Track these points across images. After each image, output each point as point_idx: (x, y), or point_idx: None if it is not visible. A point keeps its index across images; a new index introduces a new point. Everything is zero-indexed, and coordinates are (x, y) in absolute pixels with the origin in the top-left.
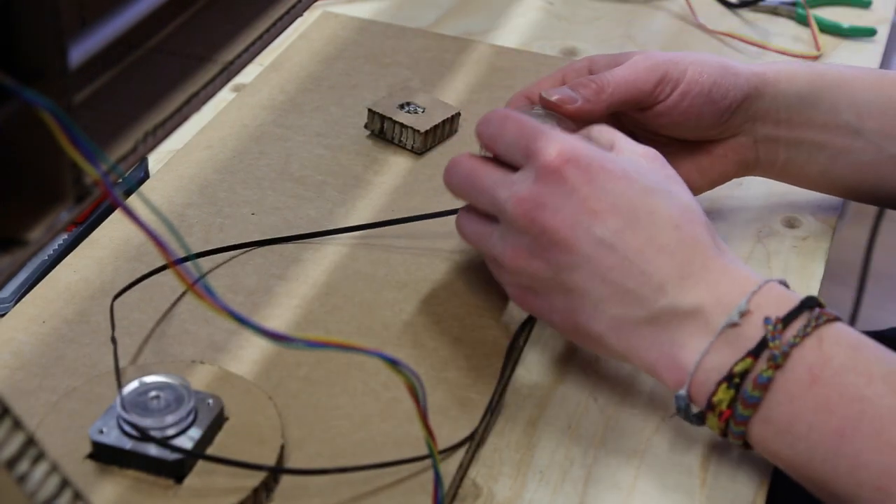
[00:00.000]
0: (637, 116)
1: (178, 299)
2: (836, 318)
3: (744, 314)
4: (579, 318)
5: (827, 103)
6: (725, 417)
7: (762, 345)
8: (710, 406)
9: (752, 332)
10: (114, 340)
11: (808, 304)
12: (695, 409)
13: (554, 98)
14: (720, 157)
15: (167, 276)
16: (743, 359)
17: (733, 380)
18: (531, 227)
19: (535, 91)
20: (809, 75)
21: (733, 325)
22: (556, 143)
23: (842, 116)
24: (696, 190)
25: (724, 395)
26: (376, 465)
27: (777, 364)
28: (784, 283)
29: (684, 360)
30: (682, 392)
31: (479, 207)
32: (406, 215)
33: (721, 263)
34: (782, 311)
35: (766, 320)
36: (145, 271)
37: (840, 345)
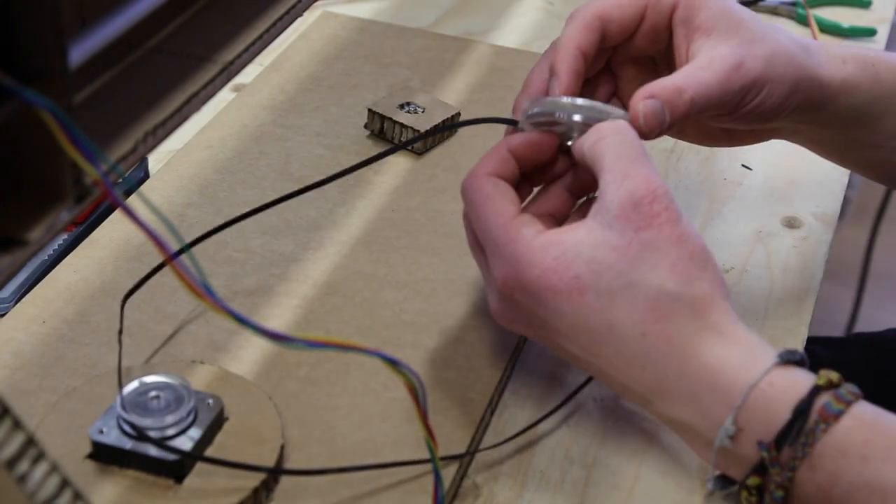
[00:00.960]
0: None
1: (179, 299)
2: (836, 414)
3: (733, 436)
4: (620, 391)
5: (876, 112)
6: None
7: (763, 467)
8: (740, 499)
9: (749, 453)
10: (120, 341)
11: (801, 408)
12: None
13: (648, 123)
14: (754, 133)
15: (167, 275)
16: (750, 476)
17: (751, 490)
18: (512, 329)
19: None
20: (870, 86)
21: (726, 448)
22: (503, 268)
23: (885, 122)
24: (719, 144)
25: (746, 499)
26: (376, 466)
27: (785, 486)
28: (788, 360)
29: (701, 455)
30: (710, 486)
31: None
32: (406, 215)
33: (700, 365)
34: (773, 426)
35: (760, 445)
36: (146, 271)
37: (848, 457)
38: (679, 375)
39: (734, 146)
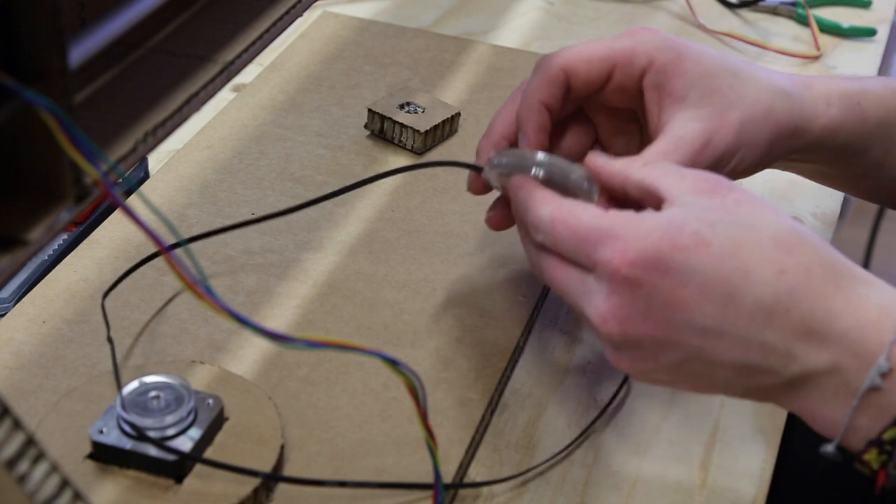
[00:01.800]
0: None
1: (178, 299)
2: None
3: (885, 374)
4: (710, 391)
5: (860, 148)
6: (879, 472)
7: None
8: (861, 462)
9: (894, 399)
10: (110, 340)
11: None
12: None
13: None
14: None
15: (168, 275)
16: (891, 426)
17: (884, 446)
18: (625, 340)
19: (495, 142)
20: (855, 126)
21: (875, 387)
22: (616, 247)
23: (870, 156)
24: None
25: (874, 458)
26: (378, 485)
27: None
28: None
29: (830, 419)
30: (830, 449)
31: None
32: (406, 215)
33: (845, 299)
34: None
35: None
36: (145, 271)
37: None
38: (826, 313)
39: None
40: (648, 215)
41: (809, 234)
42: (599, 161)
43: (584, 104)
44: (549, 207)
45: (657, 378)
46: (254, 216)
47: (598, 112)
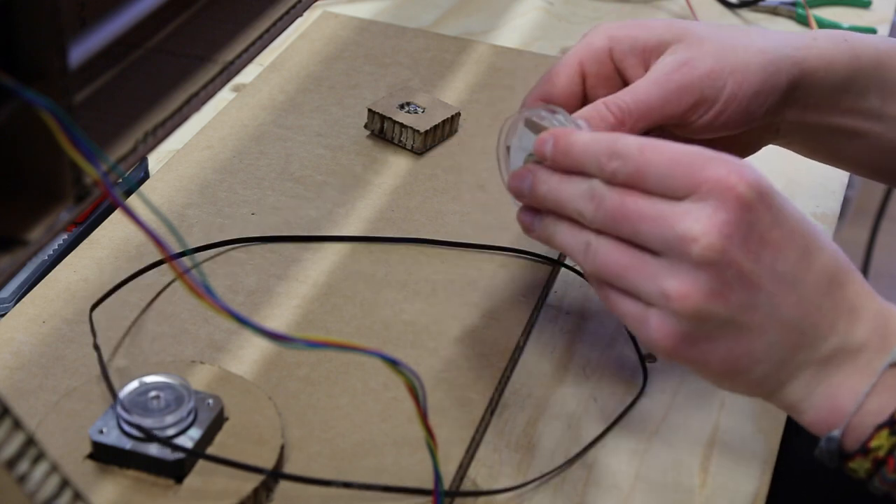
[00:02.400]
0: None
1: (178, 299)
2: None
3: None
4: (742, 362)
5: (857, 89)
6: (881, 462)
7: None
8: (865, 451)
9: None
10: (96, 347)
11: None
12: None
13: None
14: (739, 140)
15: (167, 275)
16: None
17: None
18: (718, 260)
19: (549, 90)
20: (847, 61)
21: (895, 365)
22: (731, 168)
23: (868, 101)
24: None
25: (884, 441)
26: (381, 488)
27: None
28: None
29: (841, 401)
30: (836, 433)
31: (635, 240)
32: (406, 215)
33: (874, 295)
34: None
35: None
36: (146, 271)
37: None
38: (867, 296)
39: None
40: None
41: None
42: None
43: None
44: (631, 138)
45: (704, 333)
46: (253, 214)
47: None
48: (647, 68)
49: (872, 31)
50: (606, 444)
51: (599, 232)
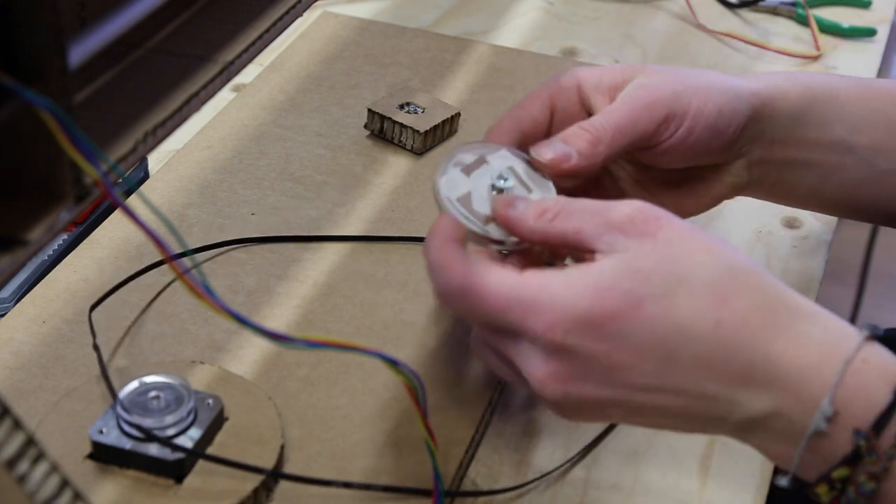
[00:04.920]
0: (633, 154)
1: (178, 299)
2: None
3: (830, 418)
4: (659, 429)
5: (818, 120)
6: (841, 493)
7: (857, 456)
8: (814, 493)
9: (843, 440)
10: (96, 347)
11: None
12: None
13: (546, 159)
14: (714, 181)
15: (167, 275)
16: (839, 467)
17: (834, 484)
18: (567, 399)
19: (520, 114)
20: (801, 90)
21: (820, 432)
22: (545, 319)
23: (833, 132)
24: (687, 215)
25: (825, 492)
26: (382, 488)
27: (877, 476)
28: (873, 334)
29: (780, 458)
30: (783, 483)
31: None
32: (406, 215)
33: (786, 342)
34: (872, 409)
35: (857, 434)
36: (146, 271)
37: None
38: (766, 359)
39: (689, 209)
40: (574, 276)
41: (749, 269)
42: (514, 215)
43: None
44: (455, 277)
45: (602, 416)
46: (253, 214)
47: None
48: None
49: (872, 31)
50: (606, 445)
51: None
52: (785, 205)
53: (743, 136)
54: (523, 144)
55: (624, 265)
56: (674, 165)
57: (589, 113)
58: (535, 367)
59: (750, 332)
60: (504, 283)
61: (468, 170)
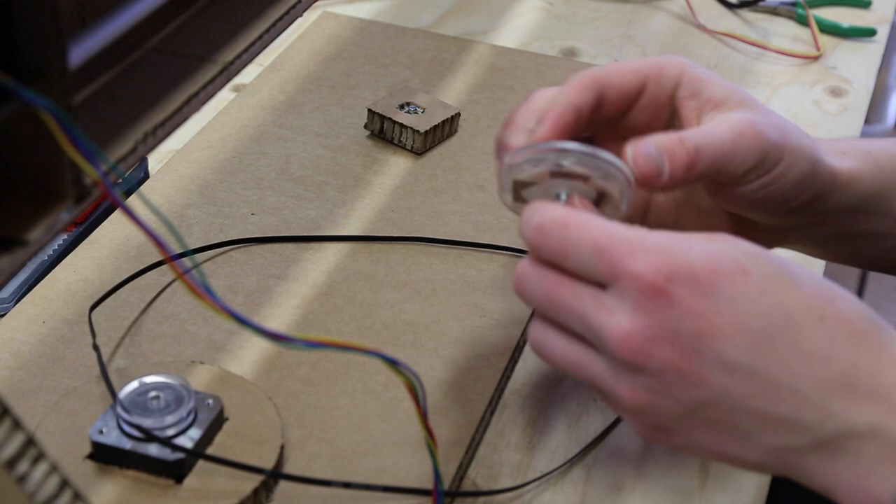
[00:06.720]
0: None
1: (178, 299)
2: None
3: None
4: (729, 450)
5: (884, 204)
6: None
7: None
8: None
9: None
10: (96, 347)
11: None
12: None
13: (640, 168)
14: (752, 231)
15: (167, 275)
16: None
17: None
18: (646, 365)
19: (603, 82)
20: (874, 175)
21: None
22: (650, 259)
23: (894, 212)
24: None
25: None
26: (380, 488)
27: None
28: None
29: (875, 491)
30: None
31: (571, 330)
32: (406, 215)
33: (891, 355)
34: None
35: None
36: (146, 271)
37: None
38: (872, 366)
39: None
40: (687, 235)
41: (845, 291)
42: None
43: (610, 134)
44: (559, 210)
45: (670, 425)
46: (253, 214)
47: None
48: (699, 117)
49: (872, 31)
50: (606, 444)
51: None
52: (833, 262)
53: (804, 210)
54: (599, 109)
55: (734, 245)
56: (733, 209)
57: (674, 112)
58: (618, 323)
59: (856, 336)
60: (611, 224)
61: (555, 175)
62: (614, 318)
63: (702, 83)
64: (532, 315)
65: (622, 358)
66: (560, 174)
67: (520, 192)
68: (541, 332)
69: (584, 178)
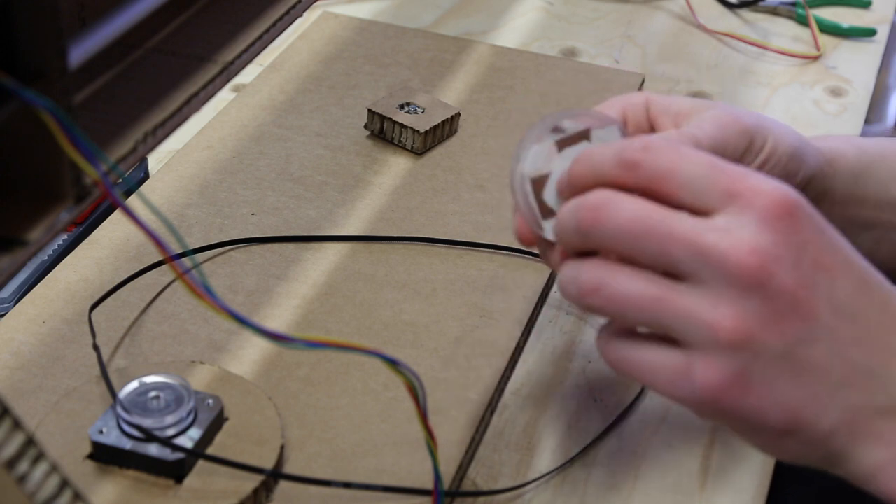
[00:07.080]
0: None
1: (178, 299)
2: None
3: None
4: (805, 411)
5: (876, 180)
6: None
7: None
8: None
9: None
10: (96, 347)
11: None
12: None
13: None
14: None
15: (167, 275)
16: None
17: None
18: (767, 285)
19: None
20: (857, 152)
21: None
22: (768, 179)
23: (891, 192)
24: None
25: None
26: (380, 488)
27: None
28: None
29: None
30: None
31: (659, 263)
32: (406, 215)
33: None
34: None
35: None
36: (146, 271)
37: None
38: None
39: None
40: None
41: None
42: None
43: None
44: (674, 132)
45: (758, 371)
46: (253, 214)
47: None
48: (676, 126)
49: (872, 31)
50: (606, 444)
51: (616, 261)
52: None
53: (808, 190)
54: None
55: None
56: None
57: (652, 130)
58: (740, 238)
59: None
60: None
61: (563, 143)
62: (732, 235)
63: (668, 100)
64: (535, 311)
65: (742, 274)
66: (565, 141)
67: (541, 198)
68: (603, 270)
69: (587, 137)
